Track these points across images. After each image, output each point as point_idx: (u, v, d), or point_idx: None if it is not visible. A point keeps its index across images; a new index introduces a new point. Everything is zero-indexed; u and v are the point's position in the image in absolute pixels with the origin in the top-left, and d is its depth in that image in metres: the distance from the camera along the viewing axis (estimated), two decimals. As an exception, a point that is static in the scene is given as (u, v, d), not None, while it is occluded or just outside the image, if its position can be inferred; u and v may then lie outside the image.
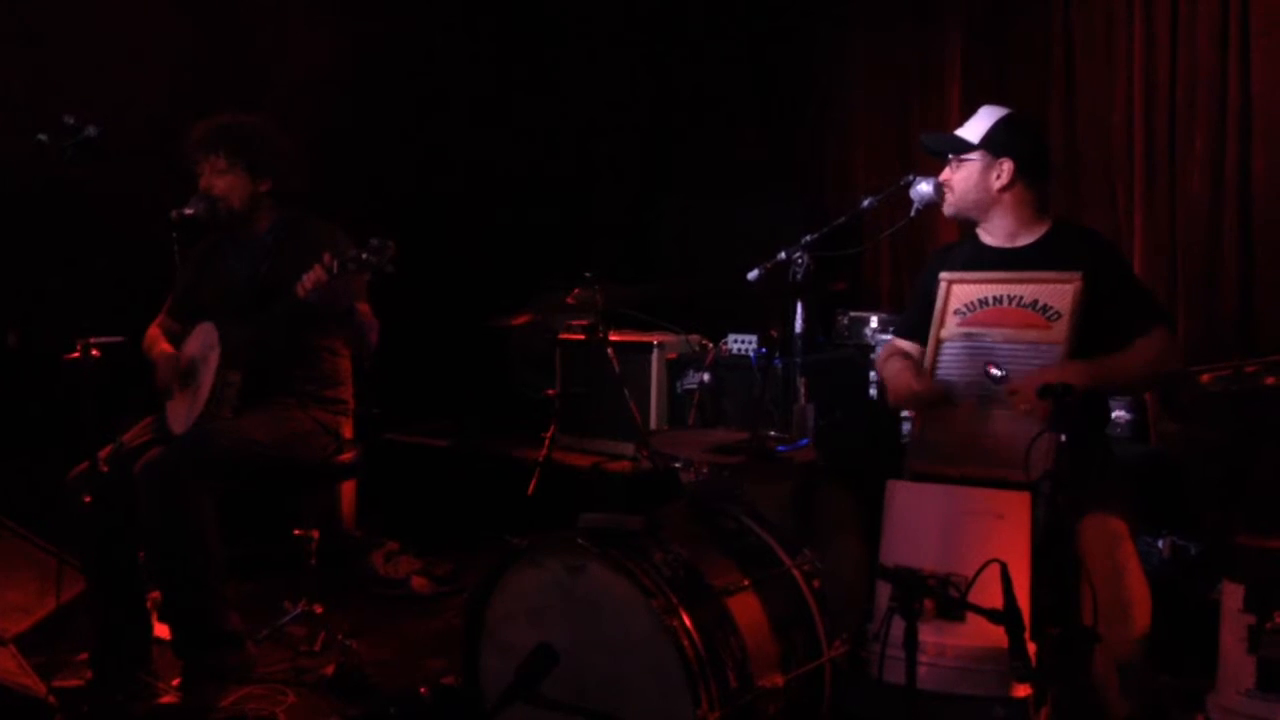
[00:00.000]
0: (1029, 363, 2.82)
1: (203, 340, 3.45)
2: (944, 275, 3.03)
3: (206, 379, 3.36)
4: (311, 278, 3.16)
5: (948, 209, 3.10)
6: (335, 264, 3.11)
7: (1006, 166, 2.98)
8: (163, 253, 3.61)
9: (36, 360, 3.69)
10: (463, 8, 5.74)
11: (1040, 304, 2.86)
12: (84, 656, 3.37)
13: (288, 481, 3.58)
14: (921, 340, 3.12)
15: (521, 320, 4.79)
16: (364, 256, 3.07)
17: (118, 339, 3.20)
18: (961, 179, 3.04)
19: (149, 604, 3.39)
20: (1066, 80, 4.61)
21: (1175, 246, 4.27)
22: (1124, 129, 4.41)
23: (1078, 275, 2.83)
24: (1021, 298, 2.89)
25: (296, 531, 3.82)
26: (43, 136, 3.00)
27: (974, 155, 3.01)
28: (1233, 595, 2.54)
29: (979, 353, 2.90)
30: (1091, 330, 2.81)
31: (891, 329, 4.12)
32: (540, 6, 5.94)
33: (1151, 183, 4.32)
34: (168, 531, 3.12)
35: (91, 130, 3.00)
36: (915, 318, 3.18)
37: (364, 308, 3.46)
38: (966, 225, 3.17)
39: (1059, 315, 2.83)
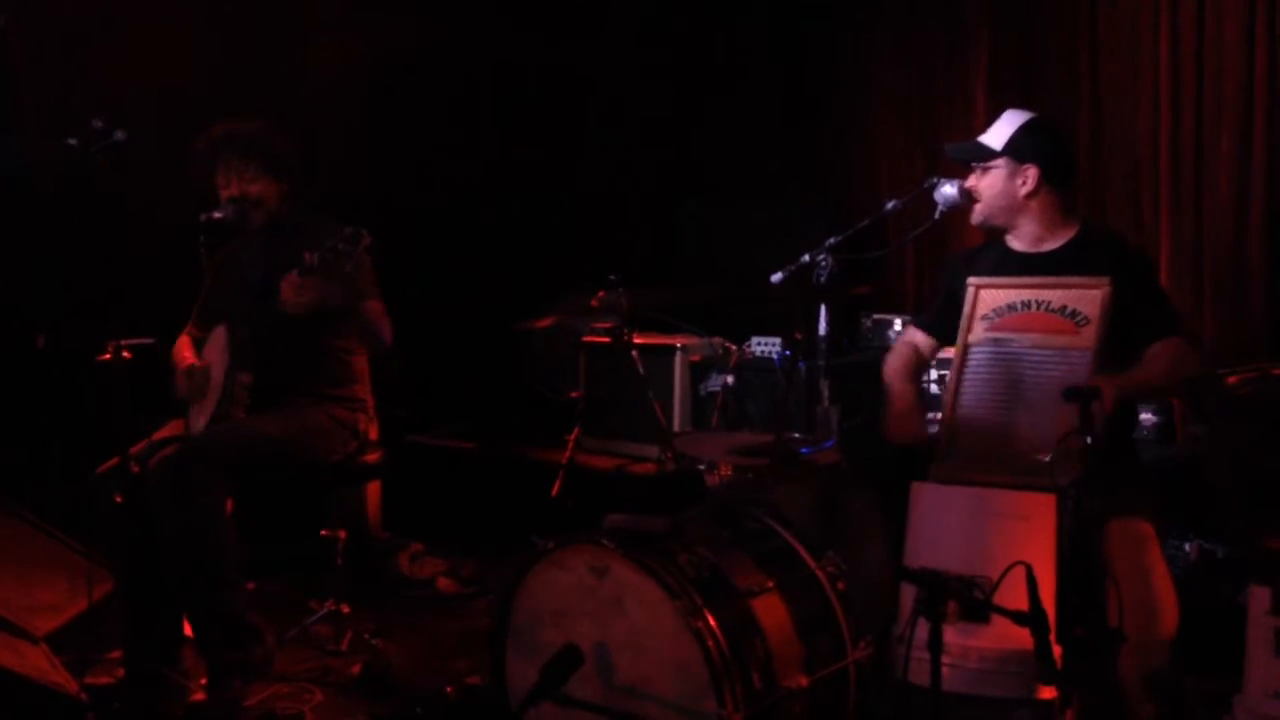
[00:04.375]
0: (1057, 367, 2.80)
1: (219, 344, 3.51)
2: (971, 281, 3.02)
3: (218, 380, 3.41)
4: (286, 284, 3.21)
5: (976, 219, 3.09)
6: (316, 258, 3.14)
7: (1031, 173, 2.97)
8: (191, 255, 3.67)
9: (67, 362, 3.74)
10: (489, 12, 5.77)
11: (1069, 309, 2.84)
12: (115, 654, 3.41)
13: (309, 479, 3.61)
14: (936, 335, 3.17)
15: (545, 323, 4.81)
16: (339, 247, 3.11)
17: (148, 340, 3.24)
18: (987, 187, 3.03)
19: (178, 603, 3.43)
20: (1092, 84, 4.60)
21: (1202, 249, 4.25)
22: (1150, 133, 4.39)
23: (1106, 280, 2.81)
24: (1050, 303, 2.88)
25: (323, 532, 3.85)
26: (72, 140, 3.04)
27: (998, 163, 3.00)
28: (1260, 598, 2.53)
29: (1007, 357, 2.89)
30: (1115, 334, 2.80)
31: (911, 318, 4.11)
32: (565, 11, 5.96)
33: (1178, 186, 4.30)
34: (180, 528, 3.16)
35: (120, 134, 3.04)
36: (935, 313, 3.21)
37: (376, 305, 3.48)
38: (993, 230, 3.16)
39: (1087, 320, 2.81)
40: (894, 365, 3.24)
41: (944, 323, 3.12)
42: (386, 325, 3.53)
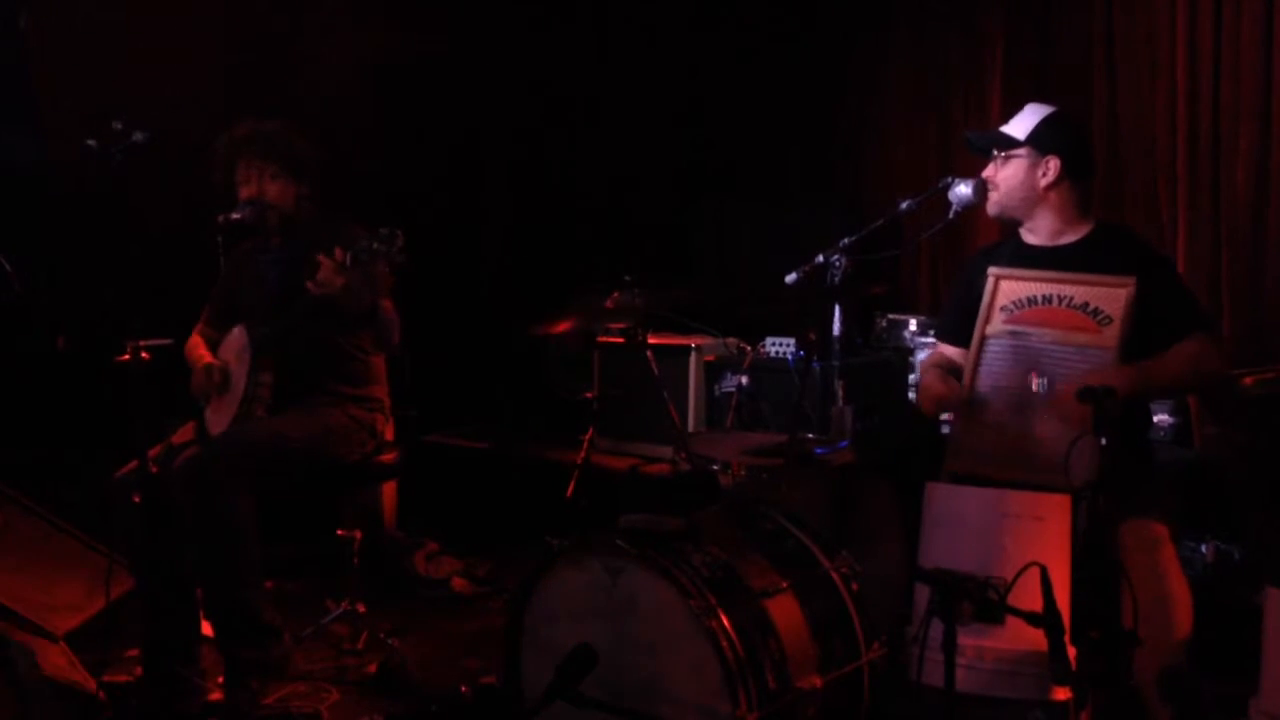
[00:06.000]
0: (1076, 366, 2.78)
1: (236, 344, 3.52)
2: (993, 270, 2.99)
3: (240, 380, 3.43)
4: (321, 274, 3.20)
5: (991, 208, 3.06)
6: (348, 257, 3.14)
7: (1053, 164, 2.95)
8: (209, 256, 3.69)
9: (86, 363, 3.76)
10: (499, 13, 5.78)
11: (1091, 307, 2.81)
12: (133, 653, 3.43)
13: (327, 479, 3.62)
14: (965, 343, 3.13)
15: (561, 323, 4.82)
16: (374, 246, 3.09)
17: (166, 341, 3.27)
18: (1006, 176, 3.00)
19: (196, 602, 3.45)
20: (1109, 81, 4.58)
21: (1219, 249, 4.23)
22: (1167, 130, 4.37)
23: (1131, 280, 2.78)
24: (1071, 299, 2.85)
25: (339, 532, 3.87)
26: (91, 142, 3.06)
27: (1020, 152, 2.98)
28: (1276, 600, 2.52)
29: (1024, 351, 2.87)
30: (1136, 333, 2.78)
31: (933, 332, 4.12)
32: (577, 11, 5.98)
33: (1195, 185, 4.28)
34: (206, 528, 3.18)
35: (139, 135, 3.06)
36: (955, 320, 3.16)
37: (387, 304, 3.50)
38: (1008, 226, 3.15)
39: (1110, 320, 2.78)
40: (924, 366, 3.23)
41: (964, 328, 3.07)
42: (397, 325, 3.55)
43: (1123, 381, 2.62)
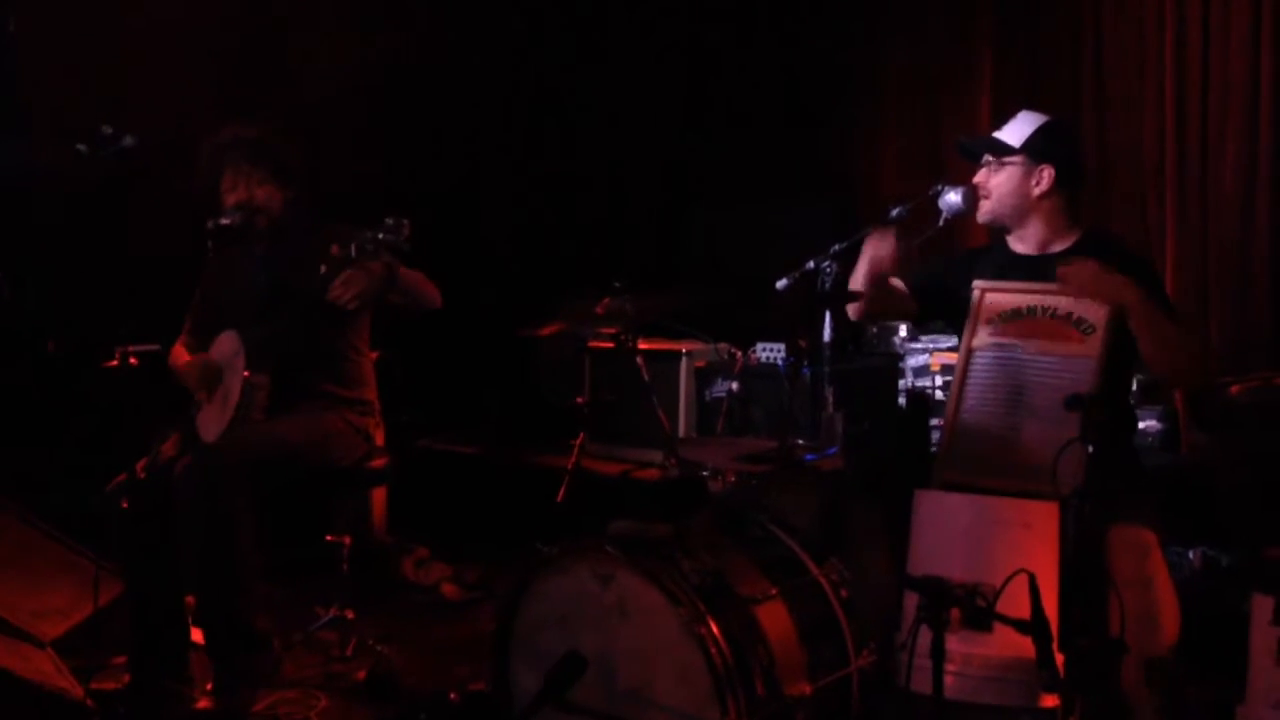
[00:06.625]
0: (1061, 376, 2.80)
1: (226, 348, 3.49)
2: (978, 284, 3.00)
3: (235, 384, 3.40)
4: (339, 281, 3.18)
5: (983, 215, 3.06)
6: (353, 248, 3.10)
7: (1046, 173, 2.96)
8: (198, 261, 3.68)
9: (75, 368, 3.75)
10: (493, 14, 5.78)
11: (1075, 317, 2.83)
12: (121, 660, 3.42)
13: (320, 484, 3.62)
14: (911, 287, 3.14)
15: (551, 329, 4.81)
16: (381, 237, 3.06)
17: (154, 347, 3.26)
18: (999, 184, 3.01)
19: (185, 609, 3.44)
20: (1097, 88, 4.60)
21: (1207, 253, 4.25)
22: (1155, 136, 4.39)
23: None
24: (1055, 310, 2.86)
25: (328, 537, 3.86)
26: (81, 147, 3.05)
27: (1014, 159, 2.98)
28: (1262, 607, 2.53)
29: (1011, 363, 2.88)
30: (1120, 342, 2.79)
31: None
32: (570, 13, 5.98)
33: (1183, 190, 4.30)
34: (209, 535, 3.15)
35: (129, 140, 3.06)
36: (926, 275, 3.16)
37: (404, 272, 3.46)
38: (997, 232, 3.15)
39: (1093, 329, 2.79)
40: None
41: (929, 288, 3.11)
42: (433, 287, 3.54)
43: (1131, 292, 2.68)
